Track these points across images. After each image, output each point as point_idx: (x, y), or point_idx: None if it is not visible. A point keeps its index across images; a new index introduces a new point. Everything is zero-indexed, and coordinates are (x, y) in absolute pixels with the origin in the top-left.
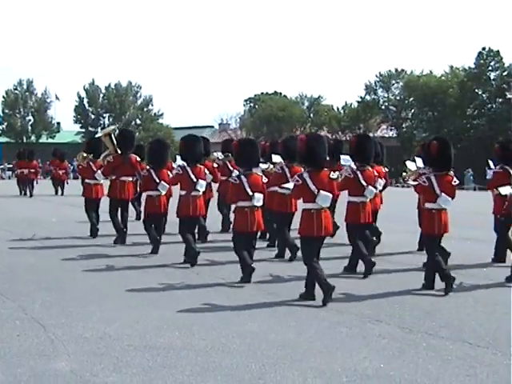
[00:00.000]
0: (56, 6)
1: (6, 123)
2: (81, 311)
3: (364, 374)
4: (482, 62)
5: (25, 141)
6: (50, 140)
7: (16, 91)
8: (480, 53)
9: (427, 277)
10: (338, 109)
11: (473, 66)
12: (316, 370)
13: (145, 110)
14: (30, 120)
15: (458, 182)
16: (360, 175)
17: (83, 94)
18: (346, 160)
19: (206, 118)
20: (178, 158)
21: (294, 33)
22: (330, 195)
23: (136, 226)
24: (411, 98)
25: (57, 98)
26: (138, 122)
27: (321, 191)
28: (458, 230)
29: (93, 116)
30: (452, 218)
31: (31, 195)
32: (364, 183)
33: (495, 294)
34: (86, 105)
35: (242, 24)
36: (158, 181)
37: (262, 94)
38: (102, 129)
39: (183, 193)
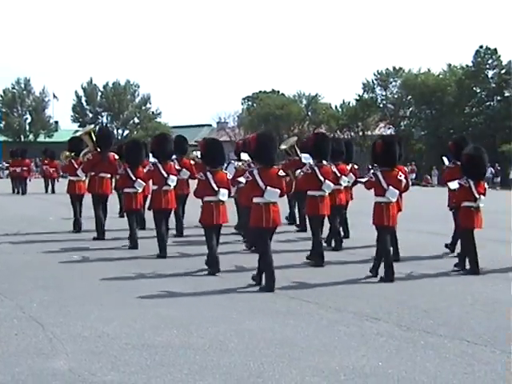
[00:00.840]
0: (54, 4)
1: (3, 122)
2: (79, 310)
3: (362, 372)
4: (479, 60)
5: (23, 139)
6: (48, 139)
7: (14, 90)
8: (478, 51)
9: (386, 266)
10: (336, 107)
11: (470, 64)
12: (314, 369)
13: (143, 108)
14: (27, 119)
15: (403, 176)
16: (318, 171)
17: (81, 93)
18: (306, 158)
19: (204, 117)
20: (150, 155)
21: (292, 31)
22: (278, 191)
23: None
24: (409, 97)
25: (55, 96)
26: (136, 120)
27: (268, 187)
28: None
29: (91, 115)
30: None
31: (24, 193)
32: (321, 178)
33: (493, 293)
34: (84, 103)
35: (240, 22)
36: (134, 179)
37: (260, 92)
38: (100, 127)
39: (155, 188)
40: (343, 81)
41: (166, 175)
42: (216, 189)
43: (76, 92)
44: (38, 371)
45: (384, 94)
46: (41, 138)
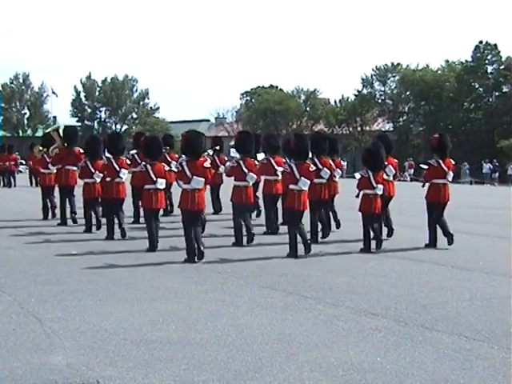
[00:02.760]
0: (53, 0)
1: (1, 117)
2: (77, 305)
3: (360, 368)
4: (478, 55)
5: (21, 134)
6: None
7: (12, 85)
8: (477, 46)
9: (290, 244)
10: (334, 102)
11: (469, 59)
12: (312, 364)
13: (141, 103)
14: (26, 114)
15: (314, 168)
16: (242, 164)
17: (80, 88)
18: (233, 152)
19: (202, 112)
20: (106, 150)
21: (291, 26)
22: (203, 179)
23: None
24: (408, 92)
25: (54, 92)
26: (135, 115)
27: (194, 176)
28: (459, 224)
29: (89, 110)
30: (453, 213)
31: (14, 185)
32: (246, 170)
33: (491, 288)
34: (83, 99)
35: (238, 18)
36: (93, 171)
37: (259, 87)
38: (98, 122)
39: (108, 179)
40: (342, 76)
41: (118, 169)
42: (154, 179)
43: (75, 87)
44: (36, 366)
45: (382, 89)
46: (39, 133)
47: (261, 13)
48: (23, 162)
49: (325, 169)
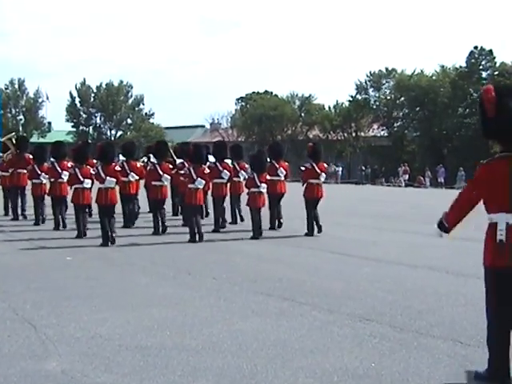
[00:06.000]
0: (48, 6)
1: None
2: (72, 311)
3: (355, 374)
4: (473, 61)
5: None
6: (42, 139)
7: (7, 90)
8: (472, 52)
9: (190, 232)
10: (329, 108)
11: (464, 65)
12: (307, 370)
13: (136, 109)
14: (21, 119)
15: (209, 171)
16: (158, 168)
17: (75, 94)
18: (154, 158)
19: (197, 118)
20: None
21: (285, 32)
22: (114, 180)
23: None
24: (402, 98)
25: (47, 98)
26: (129, 121)
27: (107, 177)
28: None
29: (84, 115)
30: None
31: None
32: (161, 172)
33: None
34: (78, 104)
35: (233, 23)
36: (39, 173)
37: (254, 93)
38: (93, 128)
39: (52, 180)
40: (336, 82)
41: (60, 171)
42: (82, 179)
43: (70, 93)
44: (30, 373)
45: (377, 95)
46: (34, 139)
47: (255, 18)
48: None
49: (225, 171)
